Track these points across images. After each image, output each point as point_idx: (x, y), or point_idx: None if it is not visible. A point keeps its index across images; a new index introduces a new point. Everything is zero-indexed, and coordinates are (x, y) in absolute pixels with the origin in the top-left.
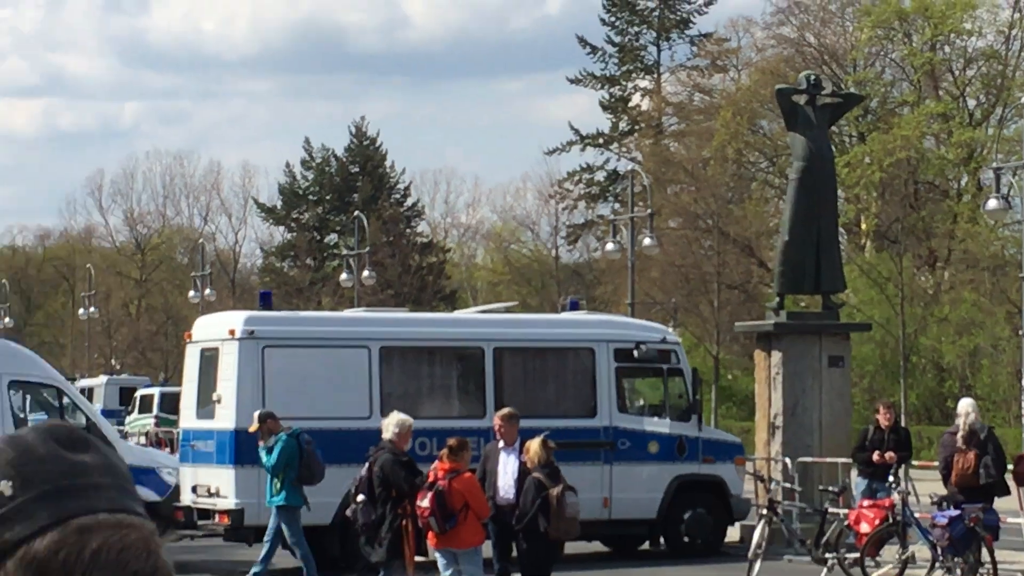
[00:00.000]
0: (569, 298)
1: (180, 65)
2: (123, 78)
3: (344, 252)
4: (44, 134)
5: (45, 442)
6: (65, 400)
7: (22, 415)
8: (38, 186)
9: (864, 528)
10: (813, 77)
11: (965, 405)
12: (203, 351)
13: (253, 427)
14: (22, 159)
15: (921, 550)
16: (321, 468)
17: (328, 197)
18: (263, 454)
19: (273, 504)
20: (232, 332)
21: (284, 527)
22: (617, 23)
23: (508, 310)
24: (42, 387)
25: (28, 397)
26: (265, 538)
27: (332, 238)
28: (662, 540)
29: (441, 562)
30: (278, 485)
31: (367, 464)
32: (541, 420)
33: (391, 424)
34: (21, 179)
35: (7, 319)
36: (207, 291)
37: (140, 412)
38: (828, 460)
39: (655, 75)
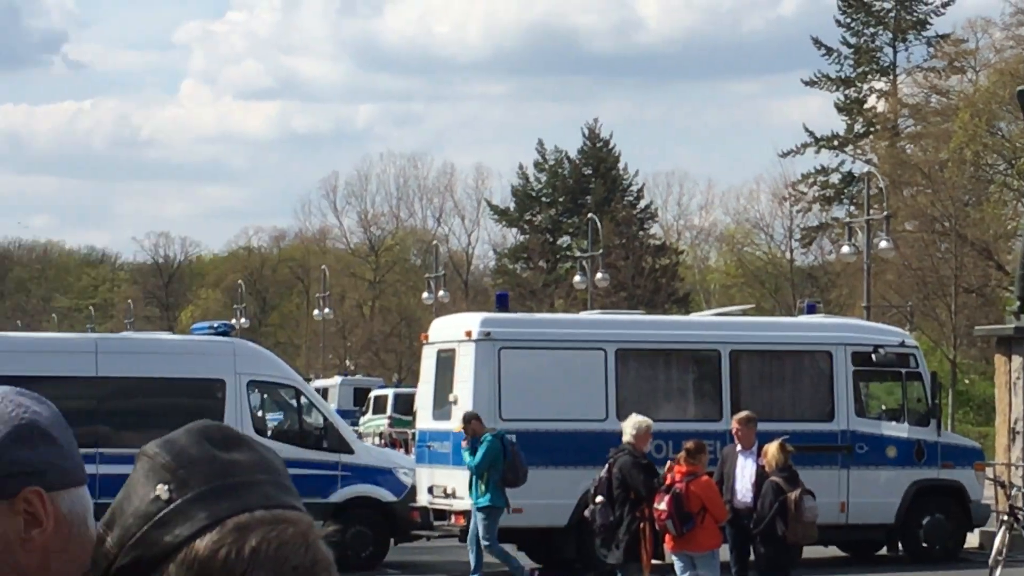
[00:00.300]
0: (806, 301)
1: (413, 67)
2: (357, 80)
3: (577, 254)
4: (279, 136)
5: (199, 443)
6: (303, 400)
7: (260, 414)
8: (273, 188)
9: None
10: None
11: None
12: (440, 352)
13: (457, 427)
14: (257, 161)
15: None
16: (525, 470)
17: (561, 199)
18: (466, 455)
19: (477, 505)
20: (469, 333)
21: (481, 526)
22: (853, 24)
23: (744, 313)
24: (280, 387)
25: (266, 397)
26: (470, 542)
27: (565, 240)
28: (900, 546)
29: (678, 565)
30: (483, 487)
31: (607, 465)
32: (778, 424)
33: (629, 426)
34: (256, 181)
35: (243, 320)
36: (440, 292)
37: (374, 413)
38: None
39: (891, 76)
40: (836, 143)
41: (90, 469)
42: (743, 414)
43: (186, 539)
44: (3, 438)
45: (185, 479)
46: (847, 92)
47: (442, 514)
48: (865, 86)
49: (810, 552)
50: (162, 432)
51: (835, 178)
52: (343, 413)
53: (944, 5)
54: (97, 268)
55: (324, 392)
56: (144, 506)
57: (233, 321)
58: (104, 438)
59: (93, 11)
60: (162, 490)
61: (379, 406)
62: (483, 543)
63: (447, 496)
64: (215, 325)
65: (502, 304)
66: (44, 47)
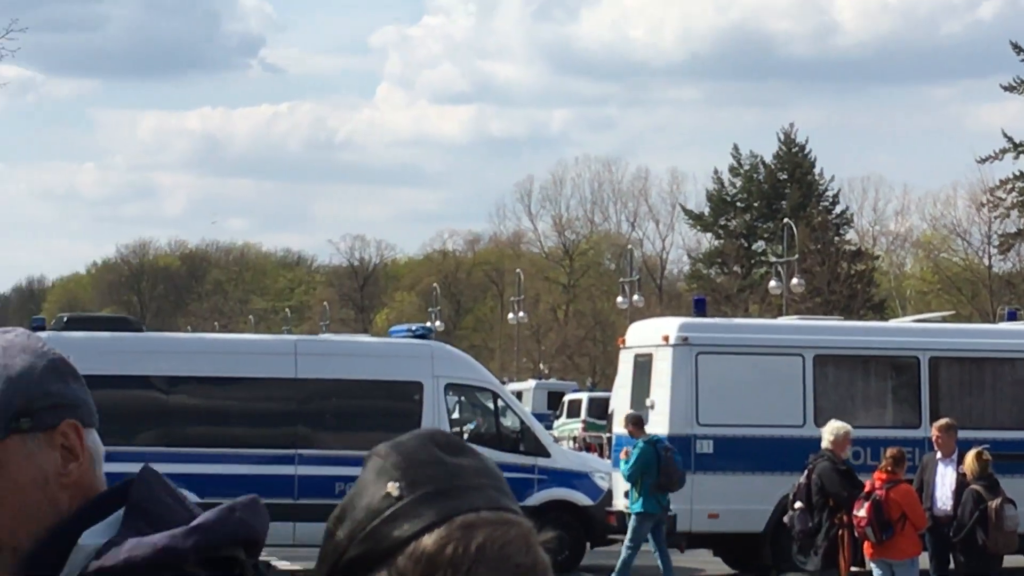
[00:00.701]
0: (1007, 308)
1: (608, 72)
2: (551, 85)
3: (772, 259)
4: (474, 140)
5: (427, 447)
6: (499, 403)
7: (457, 417)
8: (468, 191)
9: None
10: None
11: None
12: (636, 357)
13: (619, 428)
14: (453, 165)
15: None
16: (681, 475)
17: (756, 204)
18: (621, 460)
19: (632, 510)
20: (666, 338)
21: (631, 529)
22: None
23: (944, 320)
24: (477, 390)
25: (463, 399)
26: (652, 549)
27: (760, 245)
28: None
29: (876, 573)
30: (636, 492)
31: (806, 471)
32: (977, 431)
33: (828, 432)
34: (452, 184)
35: (438, 322)
36: (635, 297)
37: (568, 416)
38: None
39: None
40: None
41: (288, 470)
42: (943, 421)
43: (414, 534)
44: (42, 370)
45: (415, 479)
46: None
47: None
48: None
49: (1010, 561)
50: (359, 434)
51: None
52: (537, 416)
53: None
54: (293, 270)
55: (518, 395)
56: (375, 502)
57: (428, 324)
58: (303, 439)
59: (290, 16)
60: (393, 488)
61: (573, 410)
62: (626, 543)
63: None
64: (413, 328)
65: (700, 309)
66: (242, 51)
